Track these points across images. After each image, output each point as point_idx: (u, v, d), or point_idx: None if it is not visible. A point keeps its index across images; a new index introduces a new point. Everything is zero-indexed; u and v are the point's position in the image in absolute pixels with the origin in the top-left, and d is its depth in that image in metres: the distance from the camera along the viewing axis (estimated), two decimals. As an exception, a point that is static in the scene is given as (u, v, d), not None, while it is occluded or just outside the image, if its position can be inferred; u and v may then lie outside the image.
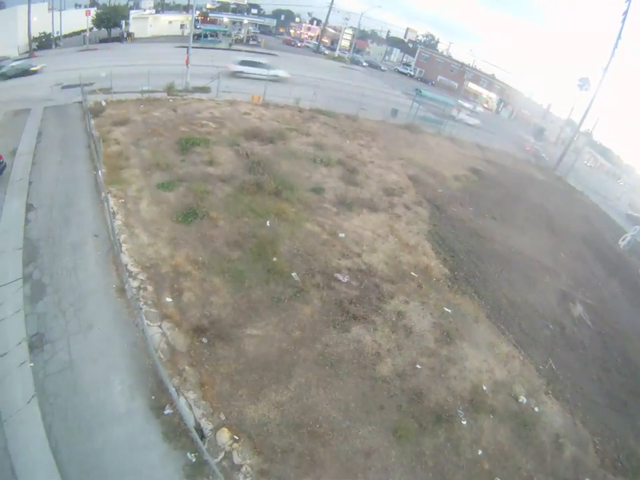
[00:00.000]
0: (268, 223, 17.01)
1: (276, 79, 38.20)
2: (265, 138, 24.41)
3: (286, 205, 18.36)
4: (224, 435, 9.84)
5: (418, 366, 12.90)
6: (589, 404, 14.51)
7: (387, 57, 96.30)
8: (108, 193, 16.81)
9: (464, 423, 11.87)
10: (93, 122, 23.07)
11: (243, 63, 40.06)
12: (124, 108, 25.99)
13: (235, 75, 38.22)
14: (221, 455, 9.57)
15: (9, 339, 11.96)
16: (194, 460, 9.47)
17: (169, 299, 13.09)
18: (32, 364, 11.32)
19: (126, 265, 13.99)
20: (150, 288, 13.38)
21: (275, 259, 15.29)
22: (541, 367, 14.99)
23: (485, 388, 13.10)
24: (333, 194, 20.72)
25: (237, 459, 9.50)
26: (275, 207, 17.96)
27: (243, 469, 9.36)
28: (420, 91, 44.15)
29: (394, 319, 14.24)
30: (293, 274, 14.91)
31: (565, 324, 17.99)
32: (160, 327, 12.24)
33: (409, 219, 20.60)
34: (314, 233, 17.45)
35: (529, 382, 14.16)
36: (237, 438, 9.86)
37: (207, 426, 10.05)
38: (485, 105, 77.12)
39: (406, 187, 24.00)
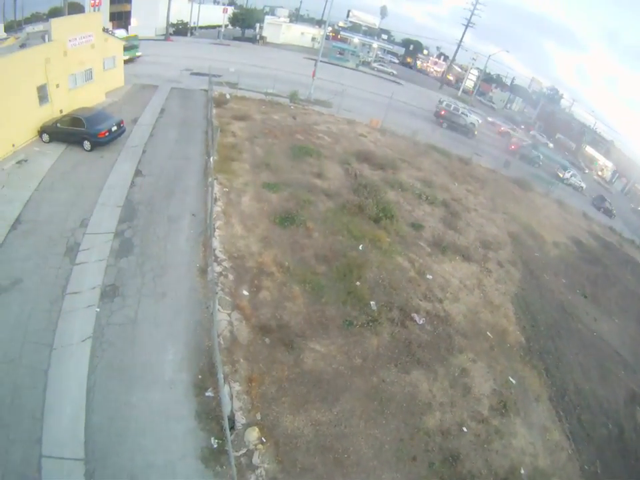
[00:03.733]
0: (361, 247, 17.68)
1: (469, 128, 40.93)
2: (376, 163, 25.49)
3: (382, 233, 18.99)
4: (253, 434, 10.28)
5: (464, 429, 12.71)
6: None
7: (508, 105, 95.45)
8: (215, 179, 18.45)
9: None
10: (214, 111, 25.62)
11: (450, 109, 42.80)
12: (246, 105, 28.59)
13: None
14: (243, 451, 10.02)
15: (85, 281, 13.68)
16: (215, 446, 10.02)
17: (245, 292, 14.08)
18: (98, 309, 12.80)
19: (214, 250, 15.25)
20: (231, 277, 14.48)
21: (358, 283, 15.83)
22: (586, 467, 14.16)
23: (522, 472, 12.61)
24: (430, 233, 21.08)
25: (256, 460, 9.90)
26: (371, 232, 18.66)
27: (258, 471, 9.72)
28: (537, 147, 43.93)
29: (456, 374, 14.17)
30: (371, 302, 15.34)
31: (625, 427, 16.88)
32: (229, 315, 13.17)
33: (499, 277, 20.47)
34: (403, 267, 17.85)
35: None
36: (264, 440, 10.28)
37: (240, 419, 10.58)
38: (599, 173, 73.19)
39: (504, 243, 23.87)
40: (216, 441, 10.12)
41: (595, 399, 17.19)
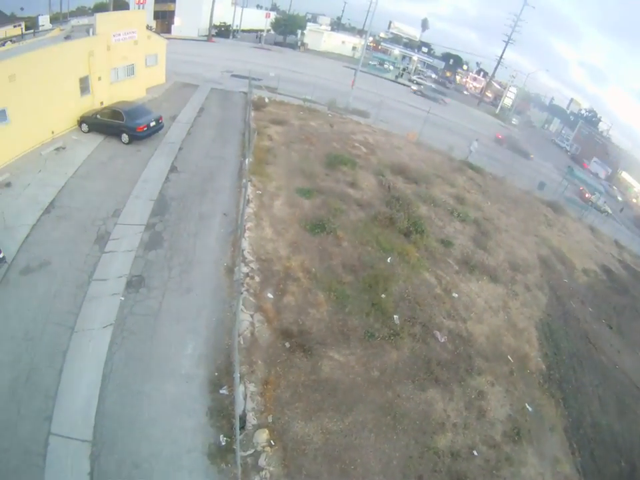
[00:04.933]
0: (389, 260, 17.65)
1: None
2: (410, 176, 25.48)
3: (412, 247, 18.92)
4: (262, 436, 10.32)
5: (475, 452, 12.51)
6: None
7: (545, 125, 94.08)
8: (249, 181, 18.71)
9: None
10: (252, 114, 26.14)
11: None
12: (284, 109, 29.05)
13: None
14: (250, 452, 10.05)
15: (112, 270, 14.11)
16: (223, 444, 10.10)
17: (270, 295, 14.19)
18: (123, 298, 13.16)
19: (243, 250, 15.45)
20: (257, 279, 14.61)
21: (383, 296, 15.76)
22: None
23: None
24: (459, 251, 20.92)
25: (262, 462, 9.90)
26: (400, 245, 18.62)
27: (263, 473, 9.72)
28: (572, 170, 43.21)
29: (473, 397, 13.97)
30: (395, 316, 15.27)
31: (638, 466, 16.34)
32: (252, 316, 13.29)
33: (525, 301, 20.16)
34: (429, 283, 17.74)
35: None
36: (273, 443, 10.30)
37: (251, 420, 10.64)
38: (634, 200, 71.19)
39: (533, 266, 23.52)
40: (225, 438, 10.22)
41: (611, 434, 16.83)
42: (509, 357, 16.50)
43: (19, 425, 9.66)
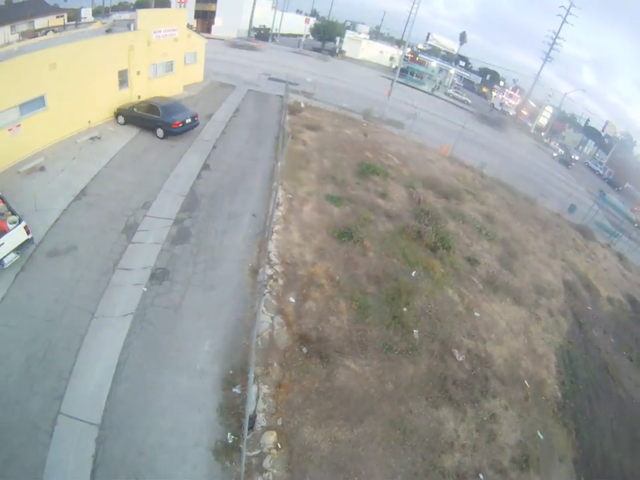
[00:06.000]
0: (413, 273, 17.55)
1: None
2: (441, 191, 25.36)
3: (437, 263, 18.76)
4: (270, 438, 10.33)
5: (481, 476, 12.28)
6: None
7: (580, 147, 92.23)
8: (280, 184, 18.89)
9: None
10: (288, 118, 26.38)
11: None
12: (319, 115, 29.28)
13: None
14: (256, 452, 10.07)
15: (138, 260, 14.40)
16: (230, 441, 10.16)
17: (292, 299, 14.26)
18: (145, 289, 13.39)
19: (269, 252, 15.53)
20: (280, 282, 14.70)
21: (404, 309, 15.65)
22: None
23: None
24: (485, 270, 20.70)
25: (266, 464, 9.91)
26: (426, 260, 18.49)
27: (266, 475, 9.73)
28: (604, 195, 42.28)
29: (485, 419, 13.76)
30: (415, 331, 15.16)
31: None
32: (272, 318, 13.36)
33: (547, 326, 19.84)
34: (452, 301, 17.58)
35: None
36: (280, 447, 10.29)
37: (261, 421, 10.67)
38: None
39: (558, 291, 23.10)
40: (232, 437, 10.28)
41: (620, 469, 16.36)
42: (525, 381, 16.26)
43: (30, 401, 9.92)
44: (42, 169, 17.61)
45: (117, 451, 9.50)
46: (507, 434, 13.94)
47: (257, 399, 11.11)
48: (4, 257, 12.59)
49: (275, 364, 12.11)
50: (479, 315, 17.78)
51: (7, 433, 9.29)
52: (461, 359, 15.31)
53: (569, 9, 65.19)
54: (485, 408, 14.17)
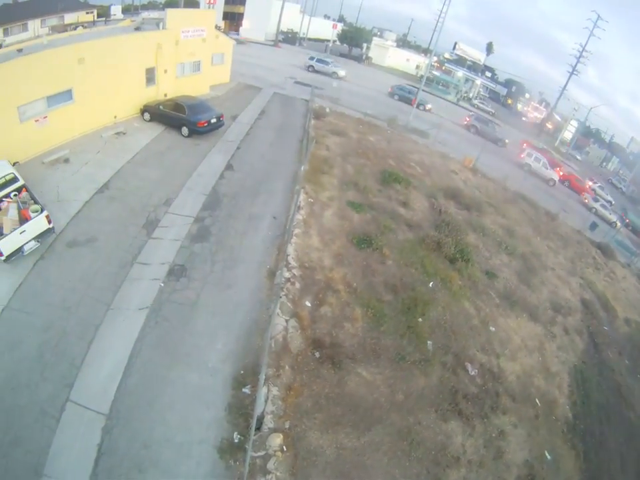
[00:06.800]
0: (431, 284, 17.47)
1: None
2: (462, 202, 25.28)
3: (455, 274, 18.69)
4: (276, 440, 10.30)
5: None
6: None
7: (604, 163, 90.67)
8: (302, 188, 18.99)
9: None
10: (312, 122, 26.58)
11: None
12: (344, 121, 29.39)
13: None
14: (261, 453, 10.07)
15: (156, 256, 14.59)
16: (236, 441, 10.21)
17: (308, 303, 14.27)
18: (162, 284, 13.56)
19: (288, 255, 15.60)
20: (297, 285, 14.73)
21: (420, 320, 15.62)
22: None
23: None
24: (502, 284, 20.54)
25: (271, 465, 9.89)
26: (444, 271, 18.43)
27: (269, 477, 9.71)
28: (626, 213, 41.67)
29: (493, 435, 13.59)
30: (428, 342, 15.08)
31: None
32: (287, 321, 13.38)
33: (562, 344, 19.62)
34: (468, 314, 17.47)
35: None
36: (285, 449, 10.27)
37: (268, 423, 10.66)
38: None
39: (574, 309, 22.81)
40: (238, 436, 10.32)
41: None
42: (536, 399, 16.09)
43: (40, 386, 10.11)
44: (66, 160, 18.01)
45: (123, 441, 9.63)
46: (514, 452, 13.79)
47: (266, 401, 11.13)
48: (24, 244, 12.92)
49: (287, 367, 12.12)
50: (494, 329, 17.66)
51: (15, 416, 9.52)
52: (473, 372, 15.21)
53: (596, 21, 64.31)
54: (494, 424, 14.03)
